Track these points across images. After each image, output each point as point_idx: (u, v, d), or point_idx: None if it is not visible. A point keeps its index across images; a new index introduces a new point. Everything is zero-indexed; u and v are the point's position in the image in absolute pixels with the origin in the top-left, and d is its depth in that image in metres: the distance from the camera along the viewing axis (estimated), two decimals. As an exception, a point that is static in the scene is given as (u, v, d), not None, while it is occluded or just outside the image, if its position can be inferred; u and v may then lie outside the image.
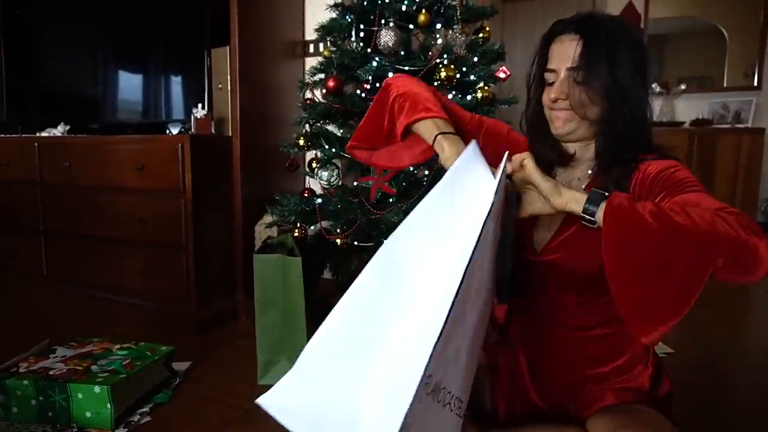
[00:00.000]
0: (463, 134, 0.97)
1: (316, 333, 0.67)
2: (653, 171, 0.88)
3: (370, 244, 1.82)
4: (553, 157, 0.98)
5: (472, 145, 0.80)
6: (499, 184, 0.73)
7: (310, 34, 2.44)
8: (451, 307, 0.57)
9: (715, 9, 4.43)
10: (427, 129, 0.94)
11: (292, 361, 1.66)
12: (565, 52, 0.89)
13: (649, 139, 0.94)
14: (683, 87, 4.43)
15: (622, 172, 0.91)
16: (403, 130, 0.98)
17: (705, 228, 0.69)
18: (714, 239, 0.69)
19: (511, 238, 0.88)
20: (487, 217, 0.65)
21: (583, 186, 0.96)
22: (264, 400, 0.65)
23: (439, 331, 0.55)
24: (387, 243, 0.72)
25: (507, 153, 0.81)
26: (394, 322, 0.67)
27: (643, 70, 0.91)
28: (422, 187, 1.78)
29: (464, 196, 0.76)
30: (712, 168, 4.02)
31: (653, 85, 4.46)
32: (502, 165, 0.79)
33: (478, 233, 0.64)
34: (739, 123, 4.23)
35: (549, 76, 0.93)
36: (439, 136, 0.92)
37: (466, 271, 0.59)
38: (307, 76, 2.00)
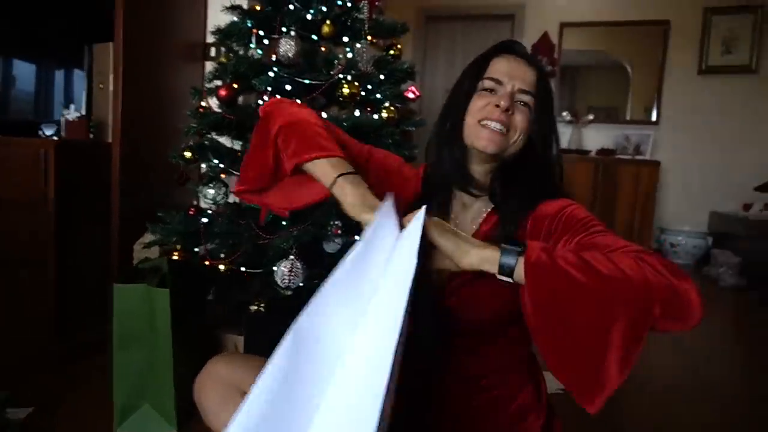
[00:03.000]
0: (357, 168, 0.86)
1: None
2: (550, 211, 0.84)
3: (258, 271, 1.65)
4: (455, 178, 0.91)
5: (388, 203, 0.69)
6: (418, 247, 0.63)
7: (212, 37, 2.25)
8: (384, 396, 0.48)
9: (620, 46, 4.71)
10: (322, 171, 0.83)
11: (157, 407, 1.47)
12: (520, 72, 0.87)
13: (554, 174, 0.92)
14: (591, 117, 4.65)
15: (521, 205, 0.87)
16: (293, 168, 0.86)
17: (637, 278, 0.63)
18: (647, 289, 0.63)
19: (428, 295, 0.82)
20: (410, 288, 0.57)
21: (479, 221, 0.91)
22: None
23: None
24: (297, 322, 0.59)
25: (424, 208, 0.71)
26: (314, 410, 0.55)
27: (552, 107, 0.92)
28: (318, 210, 1.64)
29: (379, 260, 0.66)
30: (614, 196, 4.23)
31: (564, 113, 4.66)
32: (419, 222, 0.68)
33: (404, 309, 0.55)
34: (639, 155, 4.50)
35: (490, 84, 0.87)
36: (340, 179, 0.80)
37: (395, 351, 0.51)
38: (205, 83, 1.82)
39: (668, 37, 4.50)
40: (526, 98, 0.86)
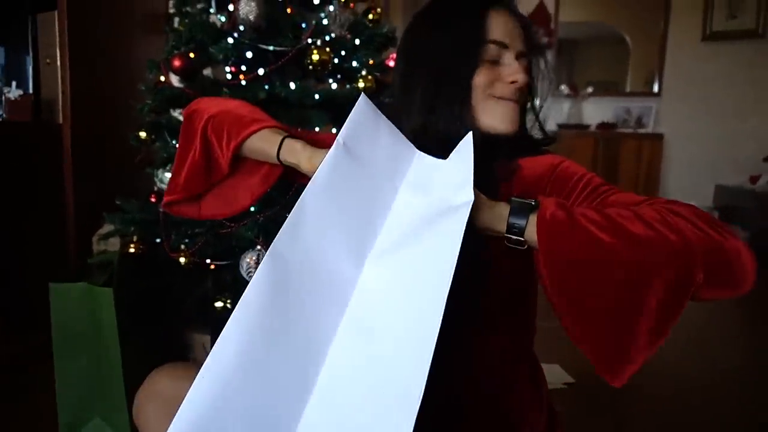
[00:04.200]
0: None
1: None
2: (538, 171, 0.70)
3: (226, 262, 1.48)
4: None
5: (363, 99, 0.60)
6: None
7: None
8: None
9: (619, 17, 4.50)
10: (265, 139, 0.71)
11: (108, 420, 1.31)
12: (513, 31, 0.71)
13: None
14: (590, 90, 4.44)
15: (502, 172, 0.72)
16: (232, 156, 0.73)
17: (675, 237, 0.52)
18: (688, 250, 0.52)
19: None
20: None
21: None
22: None
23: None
24: (274, 247, 0.50)
25: (471, 133, 0.62)
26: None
27: None
28: (291, 192, 1.46)
29: (381, 183, 0.58)
30: (615, 171, 4.06)
31: (561, 87, 4.45)
32: (468, 148, 0.59)
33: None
34: (641, 128, 4.31)
35: (494, 51, 0.70)
36: (287, 140, 0.69)
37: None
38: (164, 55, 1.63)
39: (670, 4, 4.27)
40: (524, 63, 0.73)
